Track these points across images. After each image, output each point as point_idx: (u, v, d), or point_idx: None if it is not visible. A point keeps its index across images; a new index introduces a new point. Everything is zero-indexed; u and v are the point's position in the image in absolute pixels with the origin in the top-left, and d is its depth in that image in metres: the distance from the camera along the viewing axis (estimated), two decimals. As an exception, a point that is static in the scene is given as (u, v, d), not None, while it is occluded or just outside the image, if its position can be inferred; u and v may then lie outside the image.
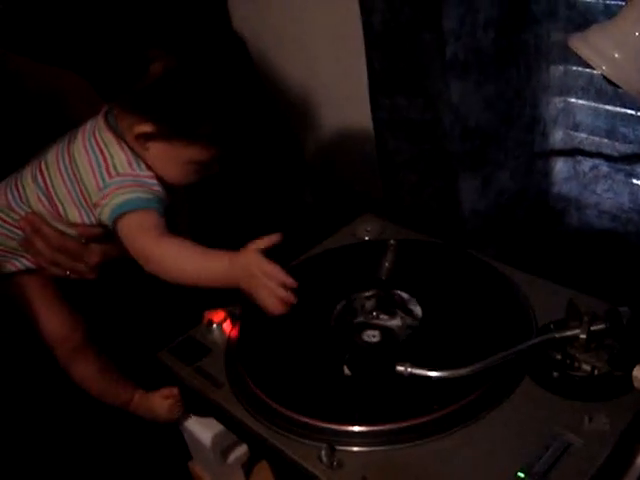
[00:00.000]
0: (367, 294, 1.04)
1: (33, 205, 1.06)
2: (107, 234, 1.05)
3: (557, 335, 0.86)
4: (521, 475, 0.74)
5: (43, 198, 1.05)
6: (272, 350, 0.99)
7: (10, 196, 1.07)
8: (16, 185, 1.08)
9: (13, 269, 1.10)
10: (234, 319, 1.05)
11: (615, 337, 0.85)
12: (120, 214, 0.99)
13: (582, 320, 0.85)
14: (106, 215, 1.00)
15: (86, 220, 1.05)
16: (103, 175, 1.00)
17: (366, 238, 1.18)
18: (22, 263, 1.09)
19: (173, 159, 1.01)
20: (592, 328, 0.84)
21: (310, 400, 0.88)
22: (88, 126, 1.05)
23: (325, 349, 0.97)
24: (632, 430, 0.79)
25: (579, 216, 1.29)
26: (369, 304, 1.03)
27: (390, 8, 1.19)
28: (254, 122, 1.54)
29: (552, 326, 0.90)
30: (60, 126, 1.10)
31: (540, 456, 0.76)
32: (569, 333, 0.86)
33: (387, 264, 1.05)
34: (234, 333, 1.03)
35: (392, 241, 1.09)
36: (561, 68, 1.22)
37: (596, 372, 0.84)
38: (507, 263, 1.06)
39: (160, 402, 1.08)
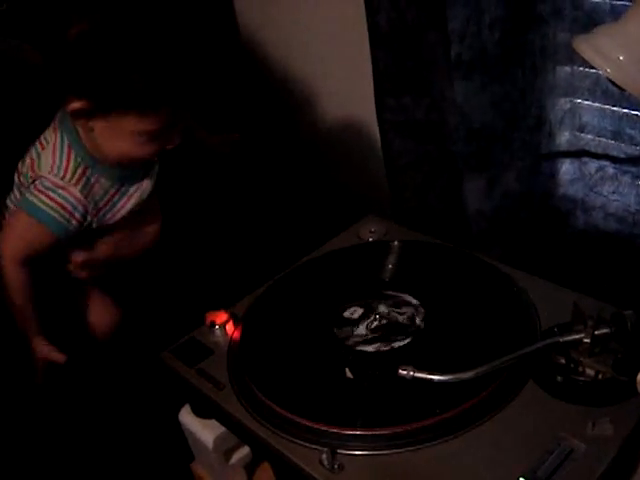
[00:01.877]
0: (368, 296, 1.04)
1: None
2: (88, 237, 1.06)
3: (561, 339, 0.86)
4: (523, 481, 0.74)
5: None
6: (274, 352, 0.99)
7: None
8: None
9: None
10: (236, 320, 1.05)
11: (620, 341, 0.84)
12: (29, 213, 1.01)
13: (586, 324, 0.84)
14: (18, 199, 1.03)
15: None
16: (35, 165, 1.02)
17: (370, 239, 1.18)
18: None
19: (117, 133, 0.98)
20: (596, 332, 0.84)
21: (312, 403, 0.88)
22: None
23: (327, 352, 0.96)
24: (636, 435, 0.78)
25: (585, 218, 1.28)
26: (379, 307, 1.02)
27: (395, 8, 1.18)
28: (252, 125, 1.53)
29: (556, 330, 0.89)
30: None
31: (543, 461, 0.75)
32: (573, 337, 0.85)
33: (390, 266, 1.05)
34: (236, 335, 1.03)
35: (396, 242, 1.10)
36: (567, 69, 1.21)
37: (600, 377, 0.84)
38: (512, 265, 1.05)
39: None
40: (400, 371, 0.84)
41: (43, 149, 1.03)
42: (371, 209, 1.26)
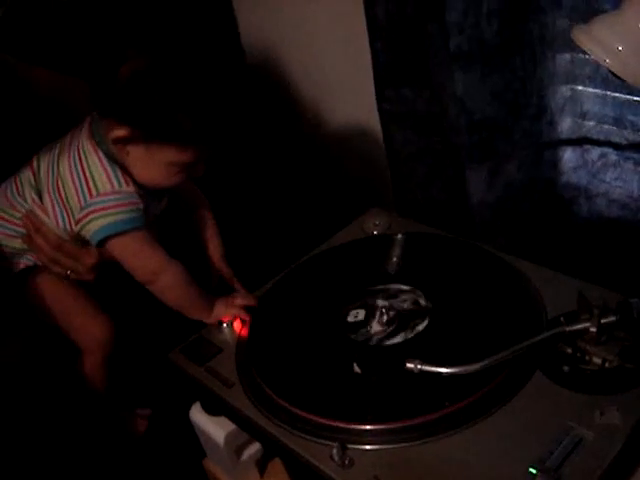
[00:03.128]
0: (374, 289, 1.04)
1: (29, 203, 1.08)
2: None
3: (567, 328, 0.86)
4: (533, 471, 0.74)
5: (36, 198, 1.08)
6: (282, 349, 0.99)
7: (10, 195, 1.10)
8: (16, 184, 1.10)
9: (22, 267, 1.12)
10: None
11: (626, 329, 0.84)
12: (107, 236, 1.02)
13: (592, 313, 0.84)
14: (90, 234, 1.03)
15: (67, 229, 1.07)
16: (85, 194, 1.02)
17: (374, 233, 1.18)
18: (29, 259, 1.12)
19: (153, 162, 1.01)
20: (603, 321, 0.84)
21: (320, 399, 0.88)
22: (75, 135, 1.06)
23: (335, 347, 0.96)
24: (644, 423, 0.78)
25: (588, 205, 1.28)
26: (377, 302, 1.02)
27: (393, 0, 1.18)
28: (254, 119, 1.53)
29: (562, 319, 0.89)
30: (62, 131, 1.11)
31: (552, 451, 0.76)
32: (579, 326, 0.85)
33: (395, 259, 1.05)
34: (244, 332, 1.03)
35: (399, 235, 1.10)
36: (567, 56, 1.20)
37: (607, 365, 0.84)
38: (516, 255, 1.05)
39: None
40: (407, 365, 0.85)
41: (84, 172, 1.03)
42: (375, 202, 1.26)
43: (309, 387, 0.91)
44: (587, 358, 0.85)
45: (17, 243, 1.10)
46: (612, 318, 0.84)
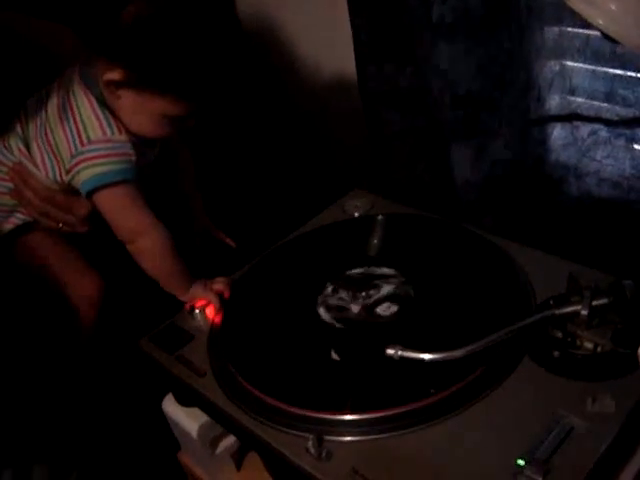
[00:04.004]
0: (354, 273, 1.01)
1: (16, 155, 1.05)
2: None
3: (557, 312, 0.83)
4: (521, 462, 0.71)
5: (23, 149, 1.05)
6: (256, 336, 0.96)
7: None
8: (2, 136, 1.07)
9: (11, 226, 1.09)
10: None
11: (619, 312, 0.81)
12: (95, 187, 0.99)
13: (583, 295, 0.82)
14: (79, 183, 1.00)
15: (57, 180, 1.04)
16: (75, 141, 0.99)
17: (356, 214, 1.15)
18: (18, 217, 1.09)
19: (144, 110, 0.98)
20: (594, 303, 0.81)
21: (296, 388, 0.85)
22: (64, 81, 1.04)
23: (312, 334, 0.93)
24: (638, 411, 0.75)
25: (578, 184, 1.25)
26: (356, 284, 0.99)
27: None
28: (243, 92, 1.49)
29: (552, 302, 0.87)
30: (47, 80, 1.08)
31: (542, 441, 0.72)
32: (570, 309, 0.82)
33: (376, 241, 1.04)
34: (217, 319, 1.00)
35: (380, 216, 1.08)
36: (555, 29, 1.17)
37: (599, 350, 0.81)
38: (503, 236, 1.02)
39: None
40: (388, 351, 0.81)
41: (75, 118, 1.00)
42: (357, 183, 1.24)
43: (284, 376, 0.88)
44: (578, 343, 0.82)
45: (5, 199, 1.07)
46: (604, 300, 0.81)
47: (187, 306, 1.02)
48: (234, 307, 1.01)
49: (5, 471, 1.04)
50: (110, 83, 0.97)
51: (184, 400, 0.98)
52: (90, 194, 1.00)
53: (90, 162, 0.98)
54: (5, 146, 1.06)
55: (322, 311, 0.96)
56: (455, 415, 0.77)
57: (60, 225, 1.09)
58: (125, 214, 1.01)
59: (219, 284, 1.03)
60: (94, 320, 1.13)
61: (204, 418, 0.97)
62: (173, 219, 1.08)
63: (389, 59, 1.24)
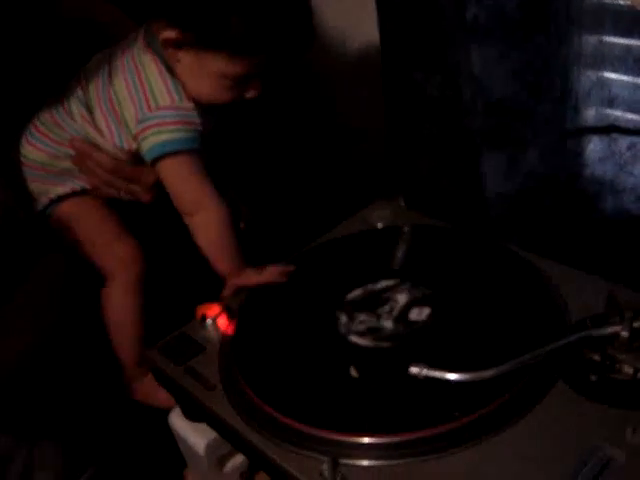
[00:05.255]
0: (355, 295, 0.97)
1: (78, 122, 1.06)
2: None
3: (594, 333, 0.78)
4: (553, 497, 0.66)
5: (86, 114, 1.04)
6: (270, 349, 0.92)
7: (56, 114, 1.08)
8: (62, 102, 1.07)
9: (67, 190, 1.09)
10: (230, 314, 0.97)
11: (662, 335, 0.76)
12: (161, 154, 0.99)
13: (623, 316, 0.77)
14: (144, 150, 1.00)
15: (124, 147, 1.04)
16: (142, 107, 0.99)
17: (379, 225, 1.12)
18: (76, 183, 1.09)
19: (203, 72, 0.98)
20: (635, 325, 0.76)
21: (312, 407, 0.80)
22: (128, 44, 1.04)
23: (330, 348, 0.89)
24: (683, 443, 0.70)
25: (614, 200, 1.21)
26: (367, 305, 0.95)
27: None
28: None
29: (589, 322, 0.81)
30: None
31: (576, 474, 0.67)
32: (609, 330, 0.77)
33: (400, 253, 1.00)
34: (230, 330, 0.96)
35: (406, 228, 1.04)
36: (595, 37, 1.14)
37: (640, 375, 0.76)
38: (536, 252, 0.98)
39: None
40: (411, 369, 0.77)
41: (142, 82, 1.00)
42: (381, 194, 1.20)
43: (298, 393, 0.83)
44: (617, 367, 0.77)
45: (65, 164, 1.08)
46: (646, 322, 0.76)
47: (198, 315, 0.97)
48: (248, 318, 0.97)
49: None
50: (168, 44, 0.96)
51: (192, 415, 0.94)
52: (155, 162, 1.00)
53: (158, 128, 0.98)
54: (66, 110, 1.06)
55: (357, 339, 0.90)
56: (482, 442, 0.73)
57: (121, 194, 1.09)
58: (188, 184, 1.01)
59: (271, 274, 1.01)
60: (130, 290, 1.11)
61: (212, 435, 0.92)
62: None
63: (417, 66, 1.21)
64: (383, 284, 0.97)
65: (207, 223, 1.02)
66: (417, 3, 1.13)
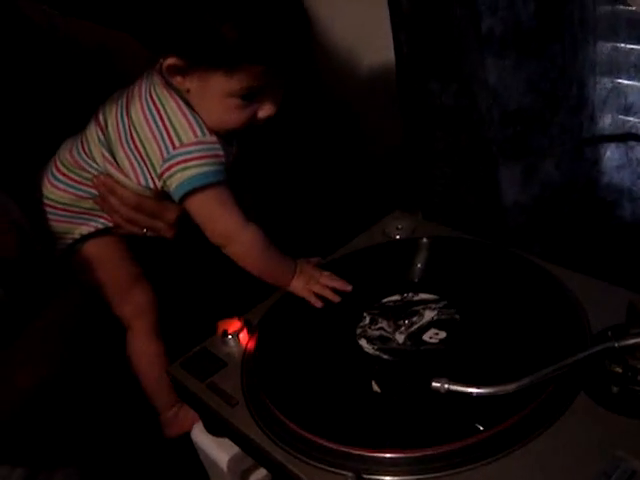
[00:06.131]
0: (390, 300, 0.97)
1: (100, 163, 1.04)
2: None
3: (617, 344, 0.77)
4: (579, 510, 0.65)
5: (108, 156, 1.03)
6: (292, 364, 0.91)
7: (77, 155, 1.06)
8: (82, 143, 1.06)
9: (91, 230, 1.08)
10: (251, 329, 0.98)
11: (685, 346, 0.75)
12: (190, 189, 0.98)
13: None
14: (172, 187, 0.98)
15: (149, 185, 1.02)
16: (167, 146, 0.98)
17: (397, 237, 1.11)
18: (99, 222, 1.08)
19: (209, 94, 0.95)
20: None
21: (334, 422, 0.80)
22: (144, 82, 1.02)
23: (351, 363, 0.89)
24: None
25: (633, 208, 1.21)
26: (394, 313, 0.95)
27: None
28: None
29: (610, 333, 0.81)
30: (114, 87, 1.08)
31: None
32: (631, 341, 0.76)
33: (419, 265, 1.00)
34: (251, 345, 0.96)
35: (425, 239, 1.04)
36: (609, 45, 1.13)
37: (663, 387, 0.75)
38: (555, 262, 0.97)
39: None
40: (433, 384, 0.76)
41: (163, 121, 0.99)
42: (398, 204, 1.20)
43: (320, 408, 0.83)
44: (639, 378, 0.76)
45: (88, 204, 1.07)
46: (669, 332, 0.75)
47: (219, 331, 0.98)
48: (269, 333, 0.97)
49: None
50: (171, 73, 0.95)
51: (214, 429, 0.94)
52: (182, 198, 0.99)
53: (184, 165, 0.97)
54: (86, 152, 1.05)
55: (364, 343, 0.91)
56: (504, 456, 0.72)
57: (145, 231, 1.08)
58: (218, 217, 1.00)
59: (320, 287, 1.02)
60: (150, 334, 1.11)
61: (235, 449, 0.92)
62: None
63: (433, 75, 1.21)
64: (422, 296, 0.97)
65: (243, 251, 1.01)
66: (433, 14, 1.13)
